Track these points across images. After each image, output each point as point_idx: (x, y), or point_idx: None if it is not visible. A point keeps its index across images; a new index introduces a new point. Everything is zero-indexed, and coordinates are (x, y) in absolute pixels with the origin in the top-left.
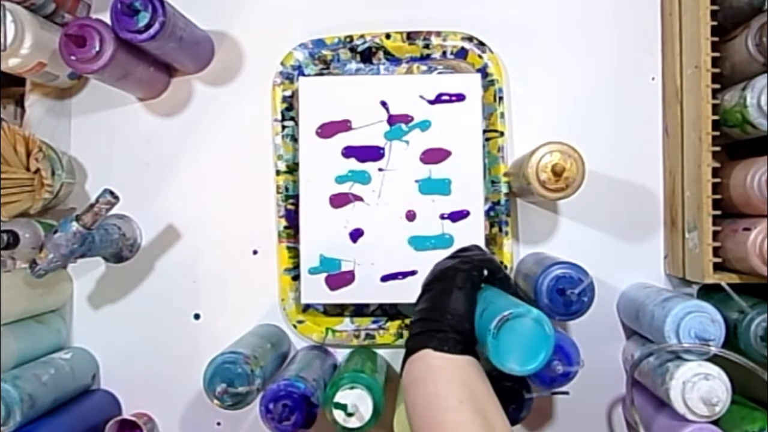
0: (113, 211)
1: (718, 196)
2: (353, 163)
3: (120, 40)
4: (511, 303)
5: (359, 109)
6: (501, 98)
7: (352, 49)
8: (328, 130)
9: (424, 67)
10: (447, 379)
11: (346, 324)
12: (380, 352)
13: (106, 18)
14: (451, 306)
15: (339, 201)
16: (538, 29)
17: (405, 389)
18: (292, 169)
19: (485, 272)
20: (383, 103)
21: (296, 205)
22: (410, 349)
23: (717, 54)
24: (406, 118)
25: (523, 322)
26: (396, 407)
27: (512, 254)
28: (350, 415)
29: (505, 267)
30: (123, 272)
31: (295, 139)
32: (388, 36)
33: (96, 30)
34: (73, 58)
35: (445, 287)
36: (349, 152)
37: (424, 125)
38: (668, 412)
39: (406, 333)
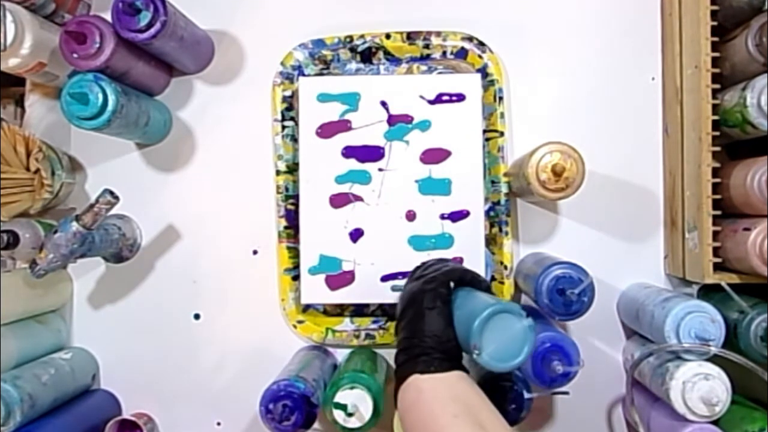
0: (113, 211)
1: (718, 196)
2: (353, 163)
3: (120, 37)
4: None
5: (359, 109)
6: (501, 98)
7: (352, 49)
8: (328, 130)
9: (424, 67)
10: (438, 398)
11: (346, 324)
12: (380, 352)
13: (107, 17)
14: (427, 328)
15: (339, 201)
16: (538, 29)
17: (402, 419)
18: (292, 169)
19: (451, 284)
20: (383, 103)
21: (296, 205)
22: (400, 379)
23: (717, 54)
24: (406, 118)
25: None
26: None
27: (512, 254)
28: (350, 415)
29: (505, 267)
30: (123, 272)
31: (295, 139)
32: (388, 36)
33: (96, 26)
34: (75, 56)
35: (416, 312)
36: (349, 152)
37: (424, 125)
38: (668, 412)
39: None
